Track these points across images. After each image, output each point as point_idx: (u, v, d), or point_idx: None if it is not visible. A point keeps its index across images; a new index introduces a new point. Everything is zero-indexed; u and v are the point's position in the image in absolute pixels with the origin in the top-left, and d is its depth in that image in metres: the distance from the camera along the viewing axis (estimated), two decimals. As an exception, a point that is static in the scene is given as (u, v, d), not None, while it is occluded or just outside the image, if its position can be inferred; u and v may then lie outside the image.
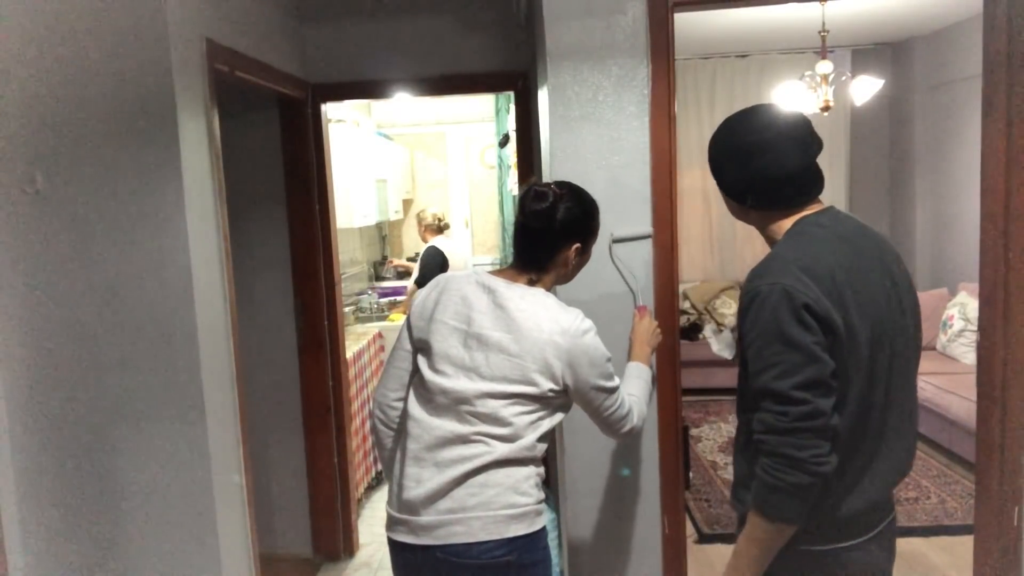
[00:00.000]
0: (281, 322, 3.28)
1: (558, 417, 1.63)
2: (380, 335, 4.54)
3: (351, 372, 3.68)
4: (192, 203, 2.07)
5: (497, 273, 1.66)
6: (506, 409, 1.53)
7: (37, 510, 2.04)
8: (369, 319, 4.82)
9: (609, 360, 1.61)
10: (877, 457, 1.41)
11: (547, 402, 1.58)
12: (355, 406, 3.75)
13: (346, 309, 4.54)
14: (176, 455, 2.09)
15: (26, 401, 2.02)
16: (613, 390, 1.62)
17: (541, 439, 1.59)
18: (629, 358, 1.92)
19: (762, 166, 1.42)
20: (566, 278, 1.72)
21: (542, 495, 1.61)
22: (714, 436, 4.87)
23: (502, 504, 1.51)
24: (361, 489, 3.82)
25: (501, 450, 1.53)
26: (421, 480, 1.55)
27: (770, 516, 1.32)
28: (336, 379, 3.37)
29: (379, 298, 5.26)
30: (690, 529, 3.54)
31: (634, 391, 1.77)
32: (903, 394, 1.44)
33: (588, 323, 1.60)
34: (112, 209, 2.03)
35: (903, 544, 3.39)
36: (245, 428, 2.34)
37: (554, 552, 2.01)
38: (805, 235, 1.41)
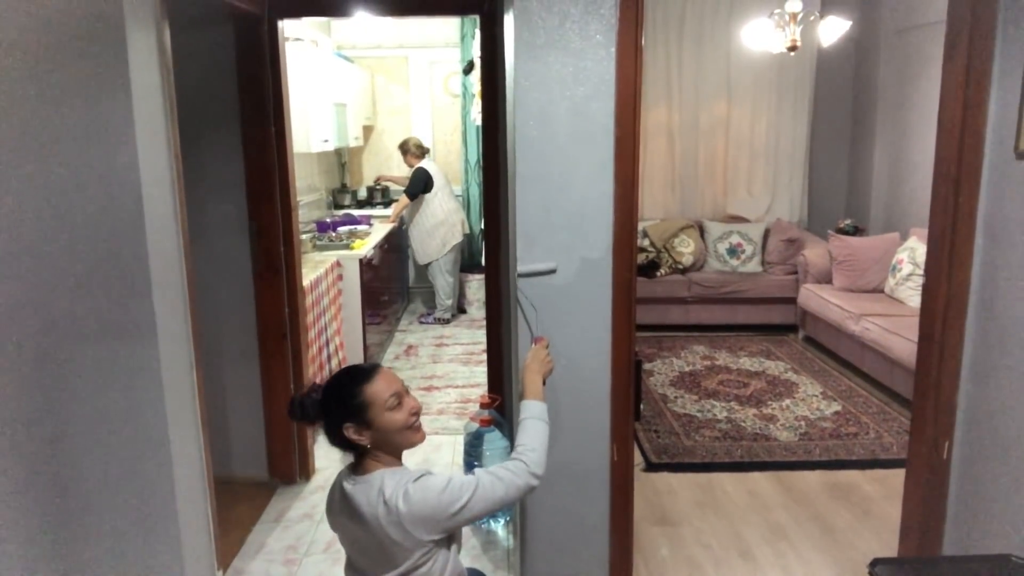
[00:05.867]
0: (236, 247, 3.22)
1: (453, 549, 1.67)
2: (339, 263, 4.49)
3: (308, 300, 3.66)
4: (141, 119, 1.99)
5: (348, 468, 1.69)
6: None
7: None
8: (328, 247, 4.76)
9: (446, 486, 1.57)
10: None
11: (430, 551, 1.60)
12: (312, 333, 3.74)
13: (303, 236, 4.48)
14: (128, 377, 2.07)
15: (-31, 319, 1.96)
16: (469, 498, 1.58)
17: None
18: (522, 394, 1.89)
19: None
20: (387, 444, 1.64)
21: None
22: (666, 371, 4.99)
23: None
24: (317, 415, 3.84)
25: None
26: None
27: None
28: (292, 306, 3.34)
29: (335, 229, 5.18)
30: (638, 458, 3.66)
31: (526, 440, 1.72)
32: None
33: (402, 487, 1.55)
34: (57, 124, 1.95)
35: (840, 476, 3.57)
36: (199, 351, 2.31)
37: None
38: None
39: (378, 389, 1.62)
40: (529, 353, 2.03)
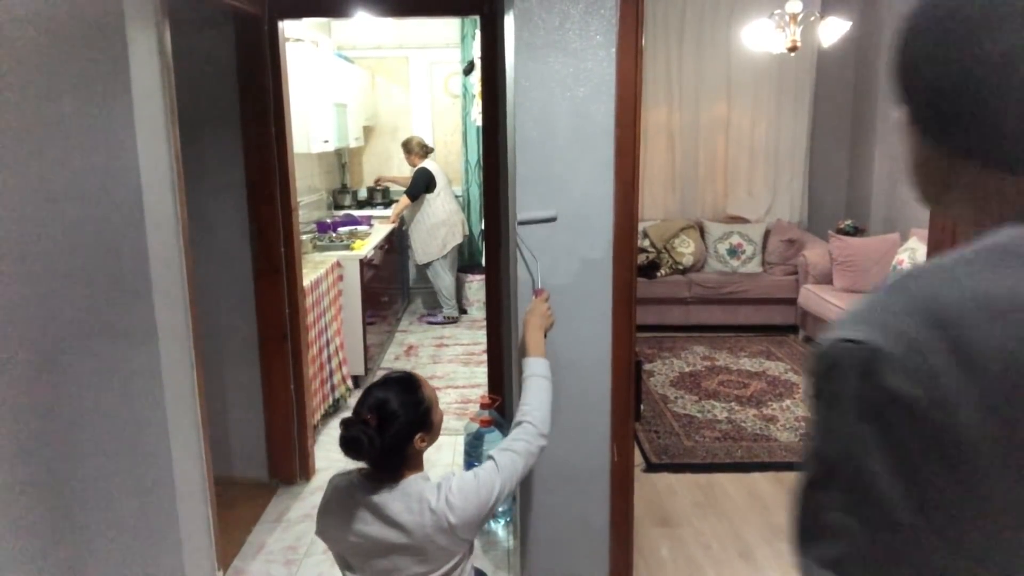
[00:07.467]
0: (236, 247, 3.22)
1: (471, 558, 1.67)
2: (339, 264, 4.49)
3: (308, 300, 3.65)
4: (141, 119, 1.99)
5: (369, 478, 1.59)
6: None
7: (-16, 429, 2.01)
8: (328, 248, 4.76)
9: (479, 485, 1.57)
10: None
11: (463, 557, 1.60)
12: (312, 334, 3.74)
13: (304, 237, 4.48)
14: (127, 377, 2.07)
15: (-31, 319, 1.97)
16: (501, 485, 1.58)
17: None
18: (524, 351, 1.87)
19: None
20: (432, 442, 1.65)
21: None
22: (666, 371, 4.99)
23: None
24: (317, 416, 3.84)
25: None
26: None
27: None
28: (293, 306, 3.34)
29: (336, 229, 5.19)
30: (639, 458, 3.66)
31: (530, 400, 1.72)
32: None
33: (443, 497, 1.54)
34: (58, 124, 1.95)
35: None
36: (199, 351, 2.31)
37: None
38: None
39: (429, 389, 1.63)
40: (529, 306, 2.00)
